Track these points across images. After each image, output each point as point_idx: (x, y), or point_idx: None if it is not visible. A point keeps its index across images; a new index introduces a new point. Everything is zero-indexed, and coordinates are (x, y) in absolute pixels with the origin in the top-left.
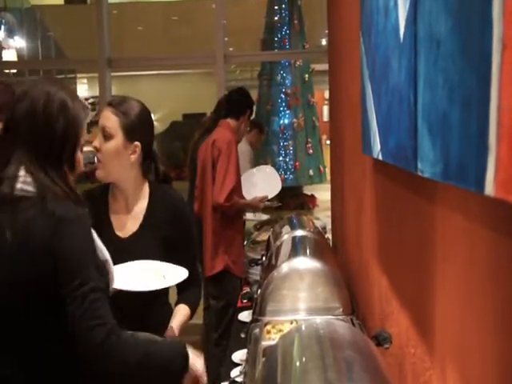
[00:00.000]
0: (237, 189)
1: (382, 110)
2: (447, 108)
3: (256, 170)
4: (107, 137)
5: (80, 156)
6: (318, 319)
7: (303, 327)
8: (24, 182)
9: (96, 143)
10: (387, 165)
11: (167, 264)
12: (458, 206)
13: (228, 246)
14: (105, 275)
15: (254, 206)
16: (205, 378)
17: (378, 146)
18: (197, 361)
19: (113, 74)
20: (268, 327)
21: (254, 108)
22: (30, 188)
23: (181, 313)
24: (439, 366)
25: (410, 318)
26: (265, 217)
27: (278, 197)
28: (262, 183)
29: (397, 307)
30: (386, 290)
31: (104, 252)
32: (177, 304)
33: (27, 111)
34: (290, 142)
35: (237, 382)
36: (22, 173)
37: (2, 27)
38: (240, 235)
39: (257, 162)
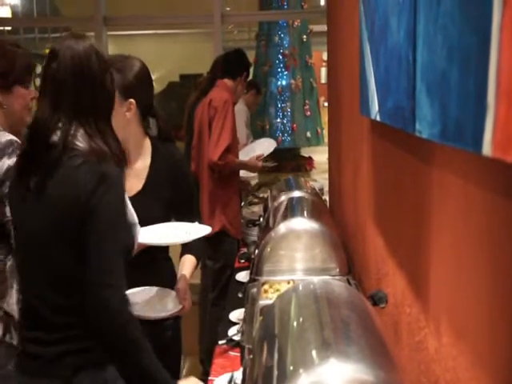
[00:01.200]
0: (232, 148)
1: (381, 71)
2: (446, 67)
3: (255, 144)
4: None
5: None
6: (315, 279)
7: (300, 286)
8: (73, 136)
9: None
10: (385, 126)
11: (189, 223)
12: (455, 167)
13: (224, 206)
14: (131, 238)
15: (252, 166)
16: None
17: (376, 107)
18: None
19: (109, 32)
20: (265, 287)
21: (252, 70)
22: (78, 142)
23: (188, 261)
24: (434, 325)
25: (405, 278)
26: (252, 174)
27: (275, 159)
28: (259, 149)
29: (393, 268)
30: (382, 251)
31: (134, 215)
32: (182, 255)
33: (67, 74)
34: (288, 104)
35: (234, 340)
36: (72, 127)
37: None
38: (236, 196)
39: (254, 123)
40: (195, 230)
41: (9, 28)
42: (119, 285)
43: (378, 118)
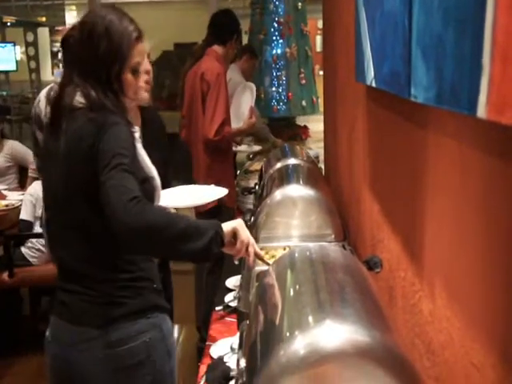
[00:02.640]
0: (227, 120)
1: (376, 37)
2: (442, 31)
3: (239, 101)
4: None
5: (130, 79)
6: (311, 244)
7: (296, 252)
8: (79, 96)
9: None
10: (380, 92)
11: (205, 186)
12: (450, 131)
13: (219, 179)
14: (151, 190)
15: (248, 127)
16: (253, 244)
17: (372, 73)
18: (233, 222)
19: (102, 1)
20: (261, 253)
21: (247, 38)
22: (83, 100)
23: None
24: (428, 288)
25: (400, 243)
26: (257, 147)
27: (271, 127)
28: (244, 102)
29: (388, 233)
30: (378, 217)
31: (151, 169)
32: None
33: (77, 36)
34: (283, 73)
35: (230, 306)
36: (79, 87)
37: None
38: (230, 166)
39: None
40: (212, 192)
41: None
42: (134, 194)
43: (373, 84)
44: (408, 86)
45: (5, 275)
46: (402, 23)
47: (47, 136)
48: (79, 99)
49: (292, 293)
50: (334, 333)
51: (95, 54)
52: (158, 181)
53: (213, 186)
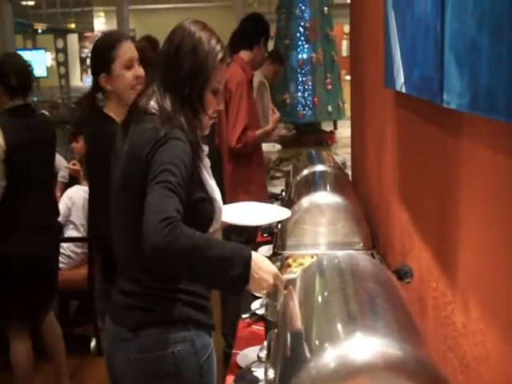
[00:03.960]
0: (251, 125)
1: (407, 42)
2: (476, 36)
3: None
4: (131, 67)
5: (211, 99)
6: (339, 253)
7: (324, 260)
8: (155, 102)
9: (139, 72)
10: (410, 97)
11: (269, 204)
12: (484, 139)
13: (247, 185)
14: (210, 211)
15: (273, 124)
16: (281, 278)
17: (402, 79)
18: (264, 262)
19: (130, 7)
20: (289, 261)
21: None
22: (156, 107)
23: None
24: (461, 300)
25: (431, 252)
26: (278, 146)
27: (297, 133)
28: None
29: (418, 242)
30: (407, 225)
31: (214, 190)
32: None
33: (165, 48)
34: (309, 78)
35: (257, 314)
36: (155, 94)
37: None
38: (260, 171)
39: (274, 98)
40: (276, 213)
41: (31, 3)
42: (169, 215)
43: (403, 90)
44: (440, 92)
45: None
46: (433, 28)
47: (118, 136)
48: (154, 105)
49: (321, 303)
50: (364, 346)
51: (180, 70)
52: (219, 203)
53: (275, 205)
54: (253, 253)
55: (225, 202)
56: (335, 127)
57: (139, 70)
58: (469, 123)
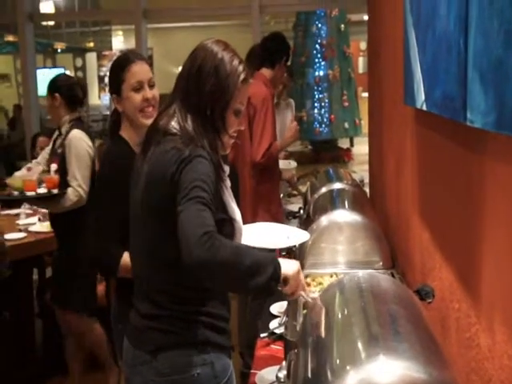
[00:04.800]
0: (273, 142)
1: (427, 59)
2: (502, 54)
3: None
4: (152, 86)
5: (233, 119)
6: (360, 272)
7: (345, 280)
8: (176, 122)
9: (149, 95)
10: (431, 115)
11: (288, 226)
12: (509, 156)
13: (268, 203)
14: (230, 232)
15: (291, 133)
16: (303, 283)
17: (422, 97)
18: (290, 265)
19: (148, 25)
20: (308, 280)
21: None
22: (177, 127)
23: None
24: (486, 322)
25: (454, 272)
26: (294, 163)
27: (314, 150)
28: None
29: (439, 261)
30: (428, 244)
31: (235, 211)
32: None
33: (187, 67)
34: (325, 95)
35: (276, 333)
36: (176, 114)
37: None
38: (277, 189)
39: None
40: (295, 236)
41: (52, 23)
42: (207, 229)
43: (424, 108)
44: (463, 111)
45: None
46: (456, 45)
47: (138, 156)
48: (175, 125)
49: (342, 324)
50: (388, 369)
51: (201, 90)
52: (240, 224)
53: (294, 227)
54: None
55: (244, 217)
56: (351, 144)
57: (149, 93)
58: (493, 141)
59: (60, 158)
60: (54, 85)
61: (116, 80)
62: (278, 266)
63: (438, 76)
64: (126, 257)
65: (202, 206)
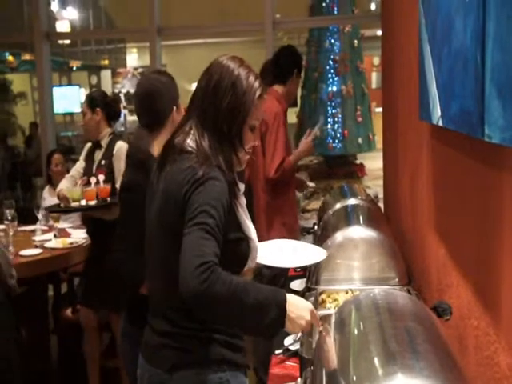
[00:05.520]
0: (286, 158)
1: (443, 74)
2: None
3: None
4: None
5: (249, 135)
6: (376, 289)
7: (361, 297)
8: (192, 140)
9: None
10: (447, 131)
11: (305, 243)
12: None
13: (283, 216)
14: (245, 251)
15: (306, 149)
16: (317, 319)
17: (438, 112)
18: (299, 300)
19: (162, 43)
20: (323, 296)
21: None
22: (193, 145)
23: None
24: (506, 340)
25: (472, 288)
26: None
27: (327, 165)
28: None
29: (457, 278)
30: (445, 261)
31: (250, 230)
32: None
33: (203, 84)
34: (339, 110)
35: (290, 350)
36: (192, 132)
37: None
38: (293, 201)
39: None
40: (313, 254)
41: (67, 41)
42: (207, 259)
43: (440, 123)
44: (481, 126)
45: (68, 311)
46: (473, 60)
47: (154, 173)
48: (190, 143)
49: (359, 341)
50: None
51: (218, 107)
52: (255, 242)
53: (311, 245)
54: (287, 295)
55: (259, 231)
56: (355, 159)
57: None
58: (511, 156)
59: (106, 169)
60: (95, 100)
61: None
62: (282, 311)
63: (454, 91)
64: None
65: (205, 233)
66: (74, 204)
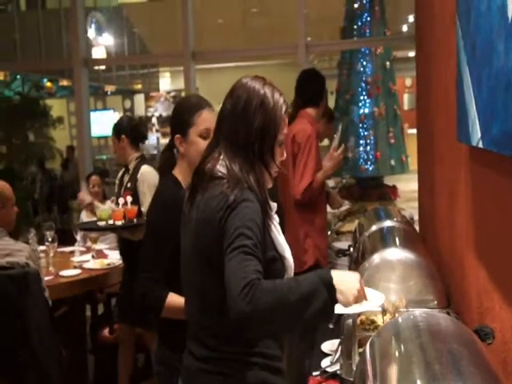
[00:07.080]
0: (315, 178)
1: (483, 96)
2: None
3: None
4: (206, 137)
5: (279, 151)
6: (417, 311)
7: (401, 319)
8: (222, 165)
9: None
10: (487, 152)
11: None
12: None
13: (316, 237)
14: (280, 270)
15: (332, 162)
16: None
17: (478, 134)
18: (343, 273)
19: (197, 66)
20: (361, 318)
21: (334, 97)
22: (224, 170)
23: None
24: None
25: None
26: (346, 205)
27: (360, 187)
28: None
29: (499, 301)
30: (485, 283)
31: (284, 249)
32: None
33: (230, 107)
34: (371, 132)
35: (328, 371)
36: (222, 157)
37: (93, 26)
38: (325, 223)
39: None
40: (372, 298)
41: (103, 67)
42: (249, 279)
43: (480, 145)
44: None
45: (106, 331)
46: None
47: (187, 201)
48: (220, 168)
49: (402, 363)
50: None
51: (250, 127)
52: (290, 261)
53: (369, 289)
54: (331, 271)
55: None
56: (382, 182)
57: None
58: None
59: (132, 191)
60: (120, 128)
61: (184, 122)
62: (331, 288)
63: (495, 113)
64: (169, 298)
65: (245, 255)
66: (101, 223)
